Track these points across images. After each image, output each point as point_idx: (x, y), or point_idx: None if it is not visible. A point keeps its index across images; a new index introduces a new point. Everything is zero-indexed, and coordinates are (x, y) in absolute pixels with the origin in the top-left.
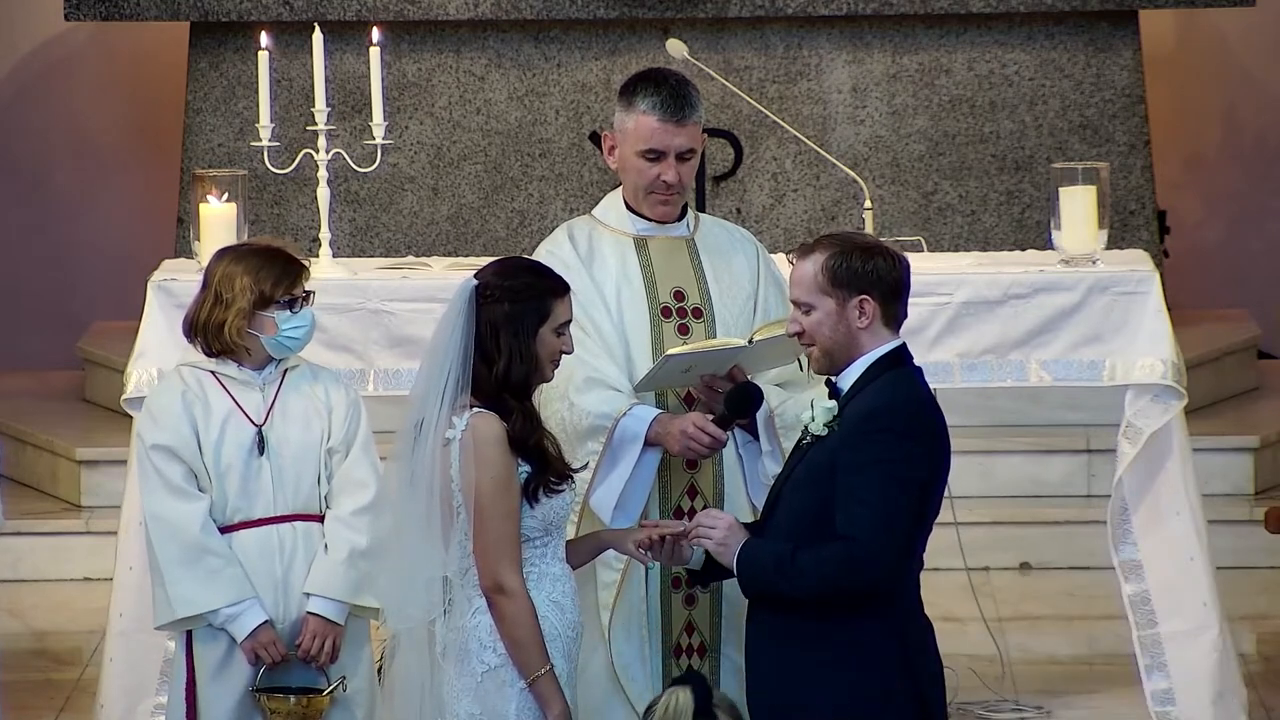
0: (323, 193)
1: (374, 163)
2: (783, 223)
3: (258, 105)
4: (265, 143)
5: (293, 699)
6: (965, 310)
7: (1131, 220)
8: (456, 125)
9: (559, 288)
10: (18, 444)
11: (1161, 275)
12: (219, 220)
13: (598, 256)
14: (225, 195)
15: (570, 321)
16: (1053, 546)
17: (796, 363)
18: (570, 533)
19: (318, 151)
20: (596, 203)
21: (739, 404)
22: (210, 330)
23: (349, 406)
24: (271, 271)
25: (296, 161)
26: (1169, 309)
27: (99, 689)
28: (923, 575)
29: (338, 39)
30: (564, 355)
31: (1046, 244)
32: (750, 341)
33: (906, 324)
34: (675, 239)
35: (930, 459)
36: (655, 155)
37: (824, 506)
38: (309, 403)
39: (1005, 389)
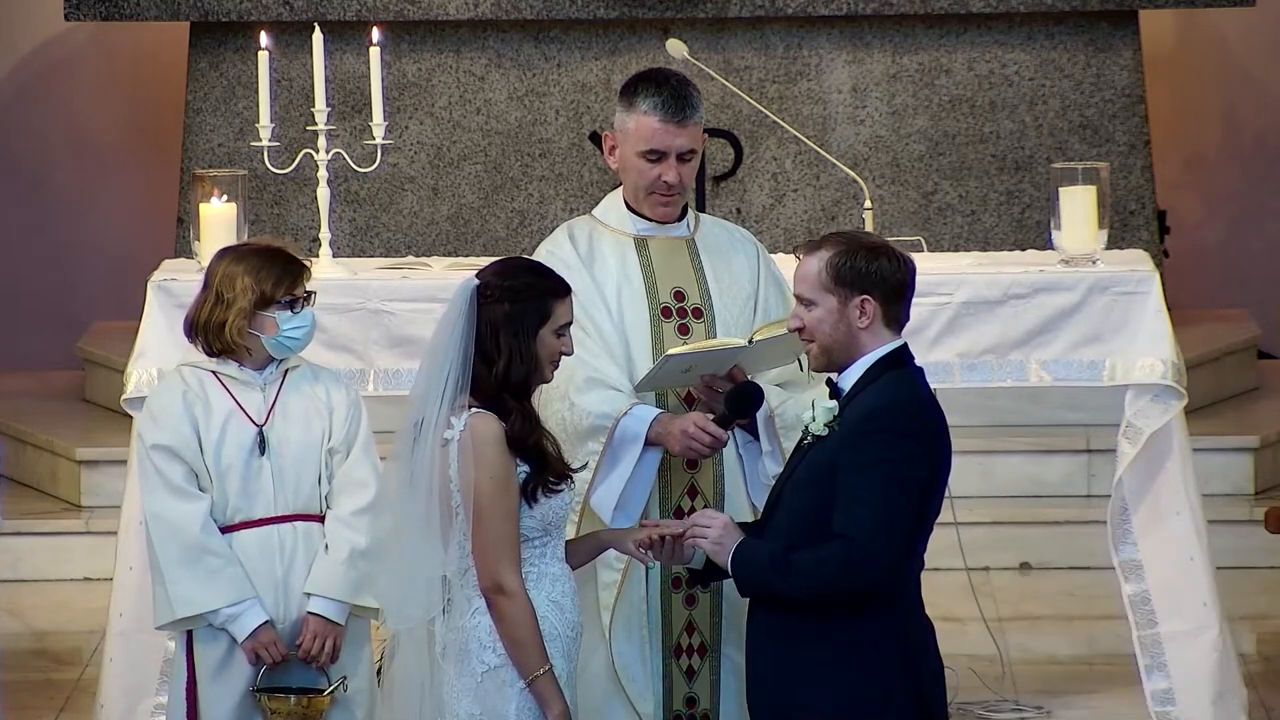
0: (323, 193)
1: (374, 163)
2: (783, 223)
3: (258, 105)
4: (265, 143)
5: (293, 699)
6: (965, 310)
7: (1131, 220)
8: (456, 125)
9: (560, 289)
10: (18, 444)
11: (1161, 275)
12: (219, 220)
13: (598, 256)
14: (225, 195)
15: (571, 323)
16: (1053, 546)
17: (797, 363)
18: (570, 533)
19: (318, 151)
20: (596, 203)
21: (739, 404)
22: (211, 330)
23: (350, 407)
24: (272, 271)
25: (296, 161)
26: (1169, 309)
27: (99, 689)
28: (923, 575)
29: (338, 39)
30: (564, 356)
31: (1046, 244)
32: (750, 341)
33: (907, 324)
34: (675, 239)
35: (931, 459)
36: (656, 156)
37: (824, 507)
38: (310, 403)
39: (1005, 389)
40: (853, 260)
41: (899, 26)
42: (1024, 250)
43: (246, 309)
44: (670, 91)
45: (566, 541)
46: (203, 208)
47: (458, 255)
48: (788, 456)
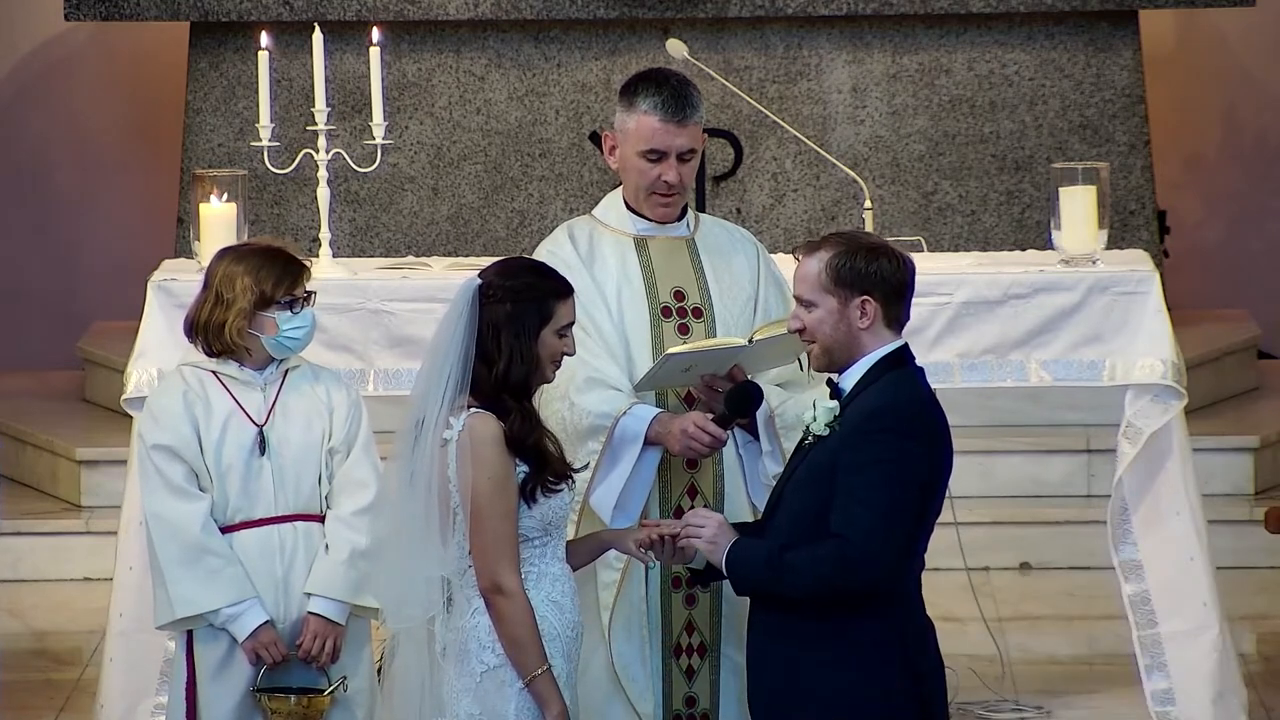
0: (323, 193)
1: (374, 163)
2: (783, 223)
3: (258, 105)
4: (265, 143)
5: (293, 699)
6: (965, 310)
7: (1131, 220)
8: (456, 125)
9: (562, 289)
10: (18, 444)
11: (1161, 275)
12: (219, 220)
13: (598, 256)
14: (225, 195)
15: (573, 323)
16: (1053, 546)
17: (797, 363)
18: (570, 533)
19: (318, 151)
20: (596, 203)
21: (739, 403)
22: (211, 330)
23: (350, 407)
24: (272, 272)
25: (296, 161)
26: (1169, 309)
27: (99, 689)
28: (923, 575)
29: (338, 39)
30: (566, 356)
31: (1046, 244)
32: (750, 341)
33: (907, 324)
34: (675, 239)
35: (931, 460)
36: (656, 155)
37: (825, 507)
38: (310, 403)
39: (1005, 389)
40: (852, 261)
41: (899, 26)
42: (1024, 250)
43: (246, 309)
44: (670, 91)
45: (567, 542)
46: (203, 208)
47: (458, 255)
48: (788, 457)
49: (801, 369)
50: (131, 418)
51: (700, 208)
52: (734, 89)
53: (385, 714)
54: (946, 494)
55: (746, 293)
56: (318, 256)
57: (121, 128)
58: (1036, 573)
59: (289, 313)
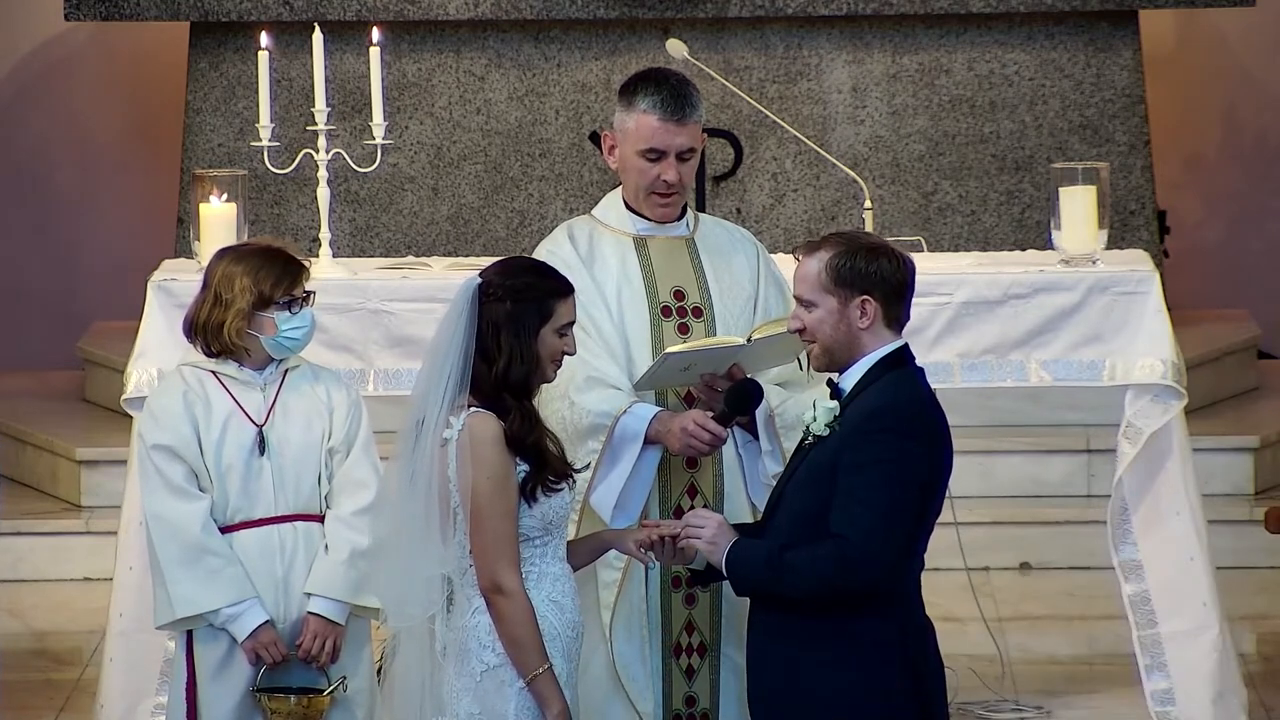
0: (323, 193)
1: (374, 163)
2: (783, 223)
3: (258, 105)
4: (265, 143)
5: (293, 699)
6: (965, 310)
7: (1131, 220)
8: (456, 125)
9: (562, 289)
10: (18, 444)
11: (1161, 275)
12: (219, 220)
13: (598, 256)
14: (225, 195)
15: (573, 323)
16: (1053, 546)
17: (796, 362)
18: (571, 532)
19: (318, 151)
20: (596, 203)
21: (738, 401)
22: (210, 331)
23: (350, 406)
24: (271, 272)
25: (296, 161)
26: (1169, 309)
27: (99, 689)
28: (923, 575)
29: (338, 39)
30: (566, 356)
31: (1046, 244)
32: (749, 340)
33: (907, 324)
34: (675, 239)
35: (931, 460)
36: (655, 155)
37: (825, 507)
38: (310, 403)
39: (1005, 389)
40: (852, 261)
41: (899, 26)
42: (1024, 250)
43: (245, 310)
44: (670, 91)
45: (568, 542)
46: (203, 208)
47: (458, 255)
48: (788, 456)
49: (801, 369)
50: (131, 418)
51: (700, 208)
52: (734, 89)
53: (385, 713)
54: (946, 494)
55: (746, 292)
56: (318, 256)
57: (121, 128)
58: (1036, 573)
59: (288, 313)
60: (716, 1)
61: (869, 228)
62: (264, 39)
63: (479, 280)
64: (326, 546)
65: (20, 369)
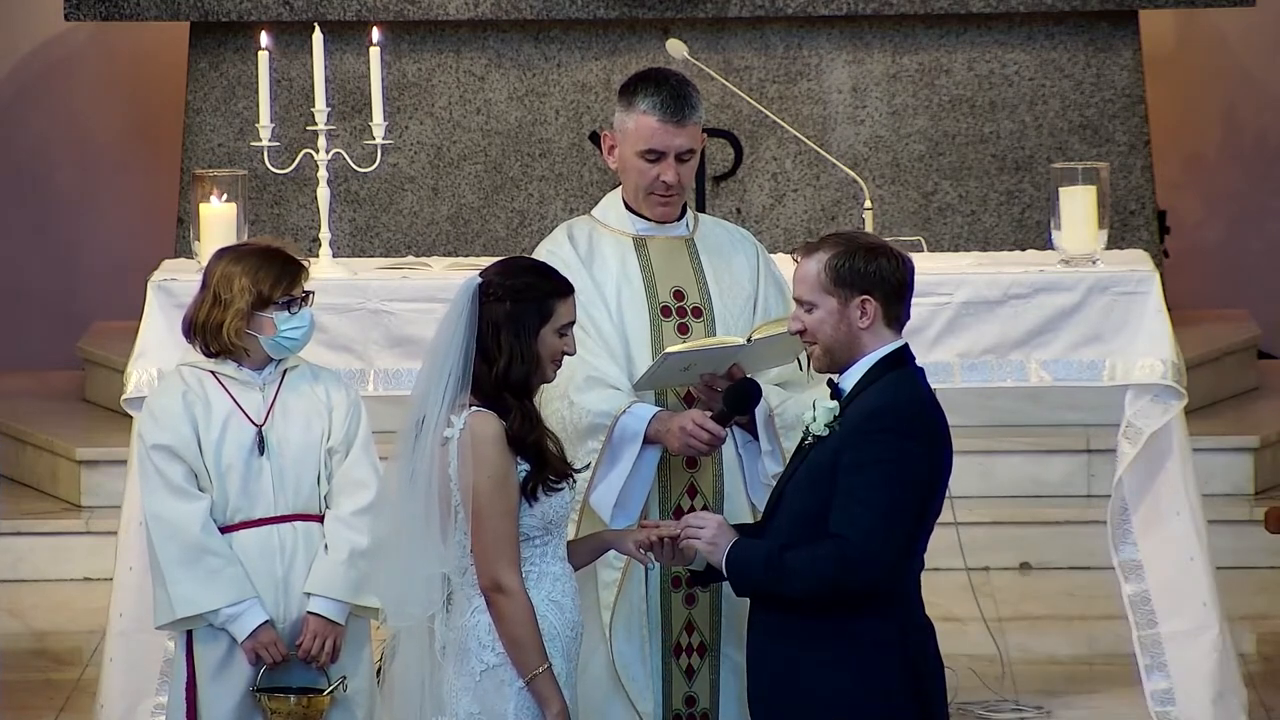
0: (323, 193)
1: (374, 163)
2: (783, 223)
3: (258, 105)
4: (265, 143)
5: (293, 699)
6: (965, 310)
7: (1131, 220)
8: (456, 125)
9: (562, 288)
10: (18, 444)
11: (1161, 275)
12: (219, 220)
13: (598, 256)
14: (225, 195)
15: (573, 323)
16: (1053, 546)
17: (796, 362)
18: (571, 532)
19: (318, 151)
20: (596, 203)
21: (738, 401)
22: (209, 331)
23: (349, 406)
24: (270, 272)
25: (296, 161)
26: (1169, 309)
27: (99, 689)
28: (923, 575)
29: (338, 39)
30: (566, 356)
31: (1046, 244)
32: (749, 340)
33: (907, 324)
34: (675, 239)
35: (931, 460)
36: (655, 156)
37: (825, 507)
38: (309, 403)
39: (1005, 389)
40: (852, 261)
41: (899, 26)
42: (1024, 250)
43: (244, 310)
44: (669, 91)
45: (568, 542)
46: (203, 208)
47: (458, 255)
48: (788, 456)
49: (801, 369)
50: (131, 418)
51: (700, 208)
52: (734, 89)
53: (385, 713)
54: (946, 494)
55: (746, 292)
56: (318, 256)
57: (121, 128)
58: (1036, 573)
59: (286, 313)
60: (716, 1)
61: (869, 228)
62: (264, 39)
63: (479, 280)
64: (326, 546)
65: (20, 369)
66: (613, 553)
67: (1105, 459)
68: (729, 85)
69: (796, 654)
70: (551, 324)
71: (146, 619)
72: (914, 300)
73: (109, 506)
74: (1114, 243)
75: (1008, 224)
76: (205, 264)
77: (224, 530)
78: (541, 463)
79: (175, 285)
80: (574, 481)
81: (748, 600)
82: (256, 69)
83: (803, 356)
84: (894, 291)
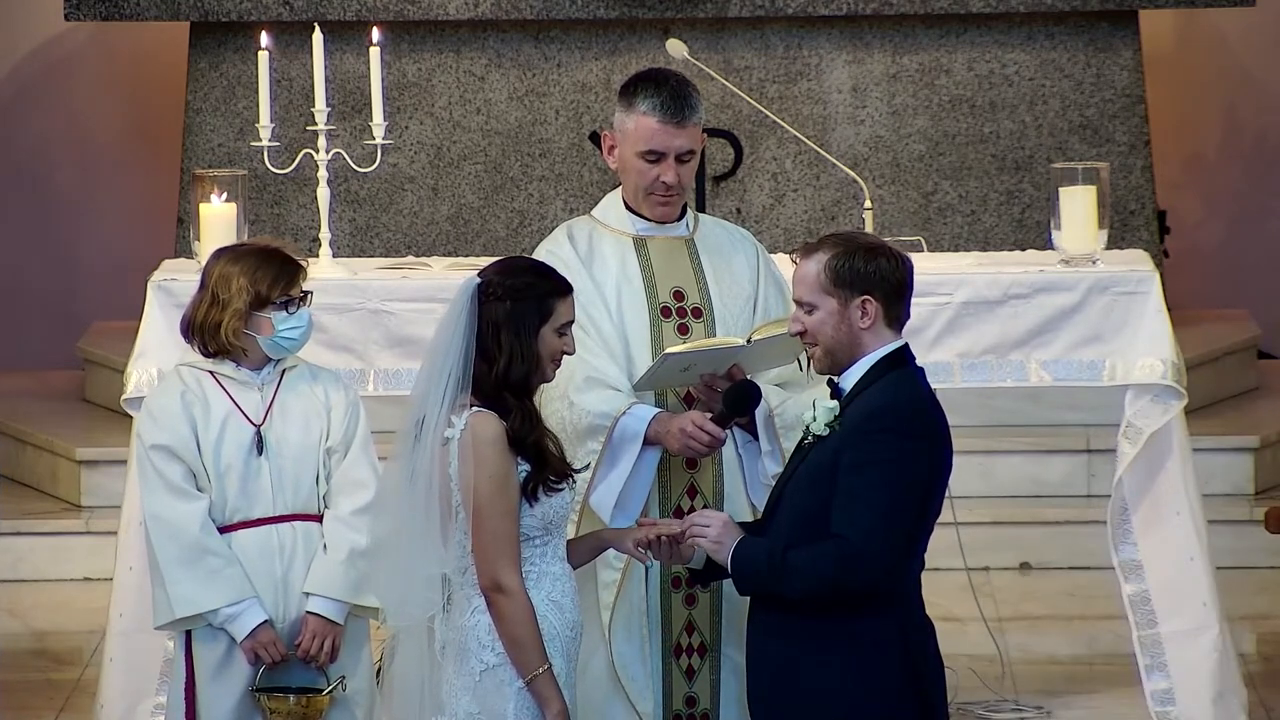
0: (323, 193)
1: (374, 163)
2: (783, 223)
3: (258, 105)
4: (265, 143)
5: (292, 699)
6: (965, 310)
7: (1131, 220)
8: (456, 125)
9: (561, 288)
10: (18, 444)
11: (1161, 275)
12: (219, 220)
13: (598, 256)
14: (225, 195)
15: (572, 322)
16: (1053, 546)
17: (796, 363)
18: (570, 532)
19: (318, 151)
20: (596, 203)
21: (737, 402)
22: (207, 331)
23: (348, 406)
24: (268, 272)
25: (296, 161)
26: (1169, 309)
27: (99, 689)
28: (923, 575)
29: (338, 39)
30: (566, 355)
31: (1046, 244)
32: (749, 341)
33: (907, 324)
34: (675, 239)
35: (931, 459)
36: (655, 156)
37: (825, 507)
38: (308, 403)
39: (1005, 389)
40: (851, 261)
41: (899, 26)
42: (1024, 250)
43: (242, 310)
44: (669, 92)
45: (566, 541)
46: (203, 208)
47: (458, 255)
48: (787, 456)
49: (801, 369)
50: (131, 418)
51: (700, 208)
52: (734, 89)
53: (385, 713)
54: (946, 494)
55: (746, 292)
56: (318, 256)
57: (121, 128)
58: (1036, 573)
59: (284, 313)
60: (716, 1)
61: (869, 228)
62: (264, 39)
63: (478, 280)
64: (325, 546)
65: (20, 369)
66: (612, 553)
67: (1105, 459)
68: (729, 85)
69: (796, 653)
70: (551, 323)
71: (146, 619)
72: (914, 300)
73: (109, 506)
74: (1114, 243)
75: (1008, 224)
76: (204, 264)
77: (223, 530)
78: (542, 463)
79: (175, 285)
80: (574, 482)
81: (748, 600)
82: (256, 69)
83: (803, 357)
84: (894, 291)
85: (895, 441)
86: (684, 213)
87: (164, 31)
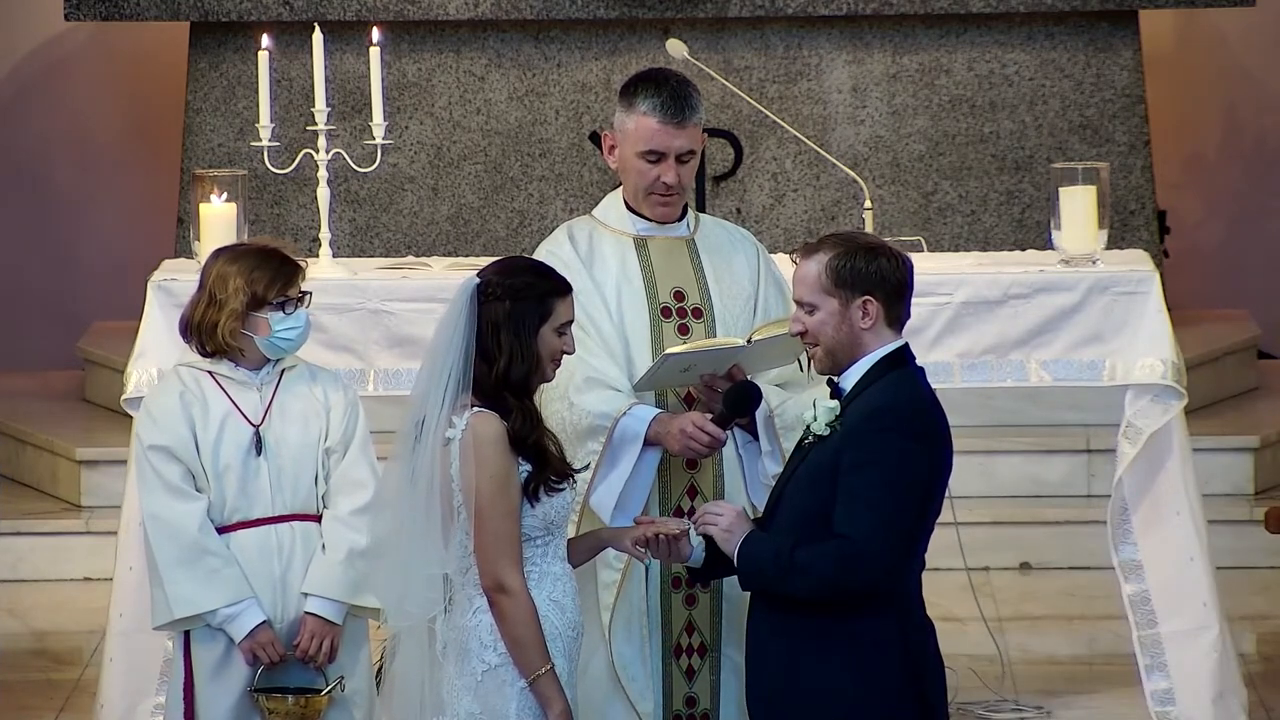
0: (323, 193)
1: (374, 163)
2: (783, 223)
3: (258, 105)
4: (265, 143)
5: (291, 699)
6: (965, 310)
7: (1131, 220)
8: (456, 125)
9: (561, 287)
10: (18, 444)
11: (1161, 275)
12: (219, 220)
13: (598, 257)
14: (225, 195)
15: (572, 322)
16: (1053, 546)
17: (796, 363)
18: (570, 533)
19: (318, 151)
20: (596, 203)
21: (738, 403)
22: (205, 330)
23: (347, 406)
24: (265, 273)
25: (296, 161)
26: (1169, 309)
27: (99, 689)
28: (923, 575)
29: (338, 39)
30: (565, 355)
31: (1046, 244)
32: (749, 341)
33: (907, 324)
34: (675, 239)
35: (932, 459)
36: (655, 157)
37: (826, 507)
38: (307, 403)
39: (1005, 389)
40: (852, 261)
41: (899, 26)
42: (1024, 250)
43: (239, 310)
44: (670, 92)
45: (566, 540)
46: (203, 208)
47: (458, 255)
48: (787, 456)
49: (801, 369)
50: (131, 418)
51: (700, 208)
52: (734, 89)
53: (385, 713)
54: (946, 494)
55: (746, 293)
56: (318, 256)
57: (121, 128)
58: (1036, 573)
59: (281, 314)
60: (716, 1)
61: (869, 228)
62: (264, 39)
63: (478, 280)
64: (324, 546)
65: (20, 369)
66: (612, 553)
67: (1105, 459)
68: (729, 85)
69: (797, 653)
70: (551, 323)
71: (146, 619)
72: (914, 300)
73: (109, 506)
74: (1114, 243)
75: (1008, 224)
76: (203, 264)
77: (222, 530)
78: (543, 463)
79: (175, 285)
80: (575, 481)
81: (748, 600)
82: (256, 69)
83: (803, 357)
84: (895, 291)
85: (896, 441)
86: (684, 213)
87: (164, 31)
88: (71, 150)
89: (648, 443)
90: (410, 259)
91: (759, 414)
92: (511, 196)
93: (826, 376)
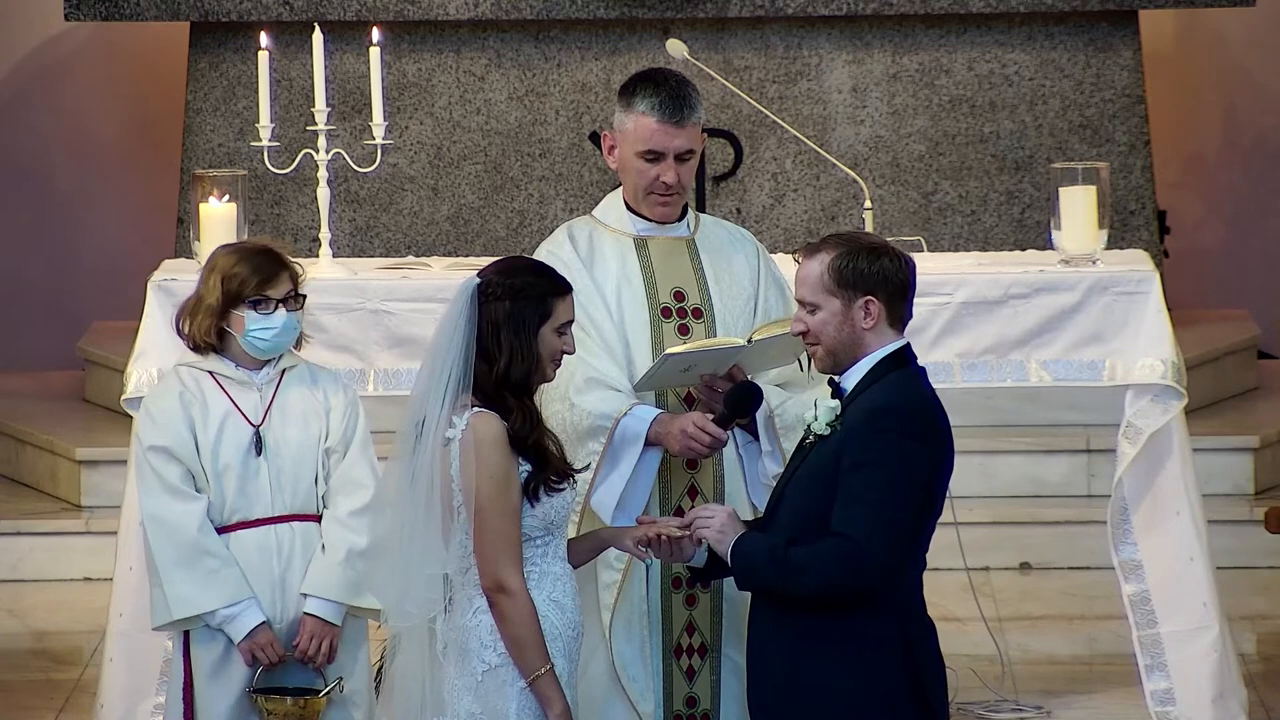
0: (323, 193)
1: (374, 163)
2: (783, 223)
3: (258, 105)
4: (265, 143)
5: (290, 700)
6: (965, 310)
7: (1131, 220)
8: (456, 125)
9: (561, 287)
10: (18, 444)
11: (1161, 275)
12: (219, 220)
13: (598, 257)
14: (225, 195)
15: (572, 322)
16: (1053, 546)
17: (797, 363)
18: (571, 533)
19: (318, 151)
20: (596, 203)
21: (738, 403)
22: (189, 325)
23: (347, 406)
24: (242, 270)
25: (296, 161)
26: (1169, 309)
27: (99, 689)
28: (923, 575)
29: (338, 39)
30: (565, 355)
31: (1046, 244)
32: (749, 341)
33: (909, 322)
34: (675, 239)
35: (933, 459)
36: (654, 156)
37: (826, 506)
38: (307, 403)
39: (1005, 389)
40: (855, 262)
41: (899, 26)
42: (1024, 250)
43: (214, 306)
44: (669, 92)
45: (567, 540)
46: (203, 208)
47: (458, 255)
48: (788, 457)
49: (802, 369)
50: (131, 418)
51: (700, 208)
52: (734, 89)
53: (385, 713)
54: (947, 494)
55: (747, 293)
56: (318, 256)
57: (121, 128)
58: (1036, 573)
59: (255, 313)
60: (716, 1)
61: (869, 228)
62: (264, 39)
63: (478, 280)
64: (323, 547)
65: (20, 369)
66: (613, 553)
67: (1105, 459)
68: (729, 85)
69: (797, 653)
70: (551, 323)
71: (146, 619)
72: (914, 300)
73: (109, 506)
74: (1114, 243)
75: (1008, 224)
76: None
77: (221, 531)
78: (543, 463)
79: (175, 285)
80: (575, 481)
81: (748, 600)
82: (256, 69)
83: (803, 357)
84: (897, 291)
85: (897, 441)
86: (684, 213)
87: (164, 31)
88: (71, 150)
89: (648, 443)
90: (410, 259)
91: (759, 414)
92: (511, 196)
93: (827, 376)
